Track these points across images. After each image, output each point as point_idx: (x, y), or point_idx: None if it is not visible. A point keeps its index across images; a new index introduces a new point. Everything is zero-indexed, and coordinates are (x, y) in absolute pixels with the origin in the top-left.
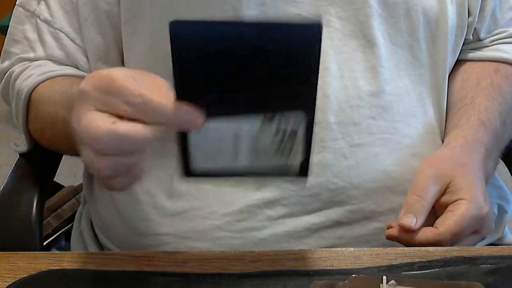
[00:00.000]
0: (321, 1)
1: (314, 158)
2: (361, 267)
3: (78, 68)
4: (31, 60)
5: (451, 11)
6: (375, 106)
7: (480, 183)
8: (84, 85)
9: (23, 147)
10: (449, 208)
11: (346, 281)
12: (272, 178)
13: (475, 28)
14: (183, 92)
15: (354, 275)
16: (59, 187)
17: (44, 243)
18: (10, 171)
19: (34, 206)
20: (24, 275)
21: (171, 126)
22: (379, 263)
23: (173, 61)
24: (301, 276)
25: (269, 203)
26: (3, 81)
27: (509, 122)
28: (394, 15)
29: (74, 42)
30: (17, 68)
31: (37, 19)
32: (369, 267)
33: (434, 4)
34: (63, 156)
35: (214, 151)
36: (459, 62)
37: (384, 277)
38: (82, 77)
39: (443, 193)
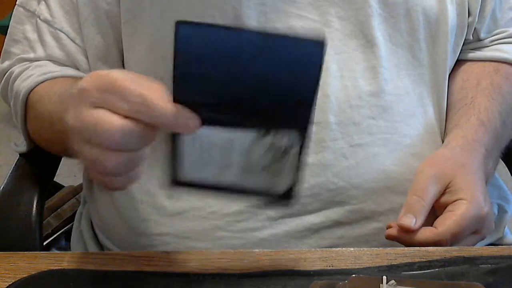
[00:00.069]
0: (321, 1)
1: (315, 158)
2: (361, 267)
3: (78, 69)
4: (31, 60)
5: (451, 11)
6: (375, 106)
7: (480, 183)
8: (83, 84)
9: (23, 147)
10: (448, 208)
11: (346, 281)
12: (256, 197)
13: (475, 28)
14: (180, 94)
15: (354, 275)
16: (59, 187)
17: (44, 243)
18: (10, 171)
19: (34, 206)
20: (24, 275)
21: (167, 127)
22: (379, 263)
23: (174, 62)
24: (301, 276)
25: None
26: (2, 81)
27: (509, 122)
28: (394, 15)
29: (74, 42)
30: (16, 69)
31: (37, 19)
32: (369, 267)
33: (434, 4)
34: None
35: (203, 161)
36: (459, 62)
37: (384, 277)
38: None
39: (443, 193)
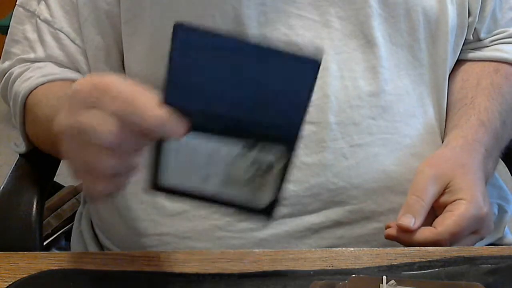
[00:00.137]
0: (321, 1)
1: (315, 158)
2: (361, 267)
3: (78, 69)
4: (31, 60)
5: (451, 11)
6: (375, 106)
7: (480, 183)
8: (76, 87)
9: (22, 148)
10: (448, 208)
11: (346, 281)
12: (237, 211)
13: (475, 28)
14: (171, 98)
15: (354, 275)
16: (59, 187)
17: (44, 243)
18: (10, 171)
19: (34, 206)
20: (24, 275)
21: (154, 131)
22: (379, 263)
23: (169, 62)
24: (301, 276)
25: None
26: (2, 81)
27: (509, 122)
28: (394, 15)
29: (74, 43)
30: (16, 69)
31: (37, 19)
32: (369, 267)
33: (434, 4)
34: None
35: (186, 169)
36: (459, 62)
37: (384, 277)
38: None
39: (443, 193)
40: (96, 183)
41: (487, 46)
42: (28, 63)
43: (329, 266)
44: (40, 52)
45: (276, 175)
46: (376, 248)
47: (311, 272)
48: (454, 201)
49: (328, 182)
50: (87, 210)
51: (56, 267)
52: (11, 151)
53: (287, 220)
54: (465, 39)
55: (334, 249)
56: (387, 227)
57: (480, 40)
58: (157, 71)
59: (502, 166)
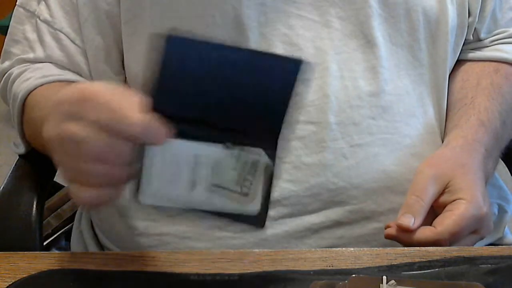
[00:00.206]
0: (321, 2)
1: (315, 158)
2: (361, 267)
3: (78, 69)
4: (31, 61)
5: (451, 11)
6: (375, 106)
7: (479, 183)
8: (60, 96)
9: (21, 149)
10: (448, 207)
11: (346, 281)
12: (225, 218)
13: (475, 28)
14: (156, 103)
15: (354, 275)
16: (59, 187)
17: (44, 243)
18: (10, 171)
19: (34, 206)
20: (24, 275)
21: (137, 137)
22: (379, 263)
23: (155, 69)
24: (301, 276)
25: (270, 203)
26: (2, 81)
27: (509, 122)
28: (394, 15)
29: (74, 43)
30: (16, 70)
31: (37, 19)
32: (369, 267)
33: (434, 4)
34: None
35: (171, 176)
36: (459, 62)
37: (384, 277)
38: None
39: (442, 193)
40: (85, 191)
41: (487, 46)
42: (28, 64)
43: (329, 266)
44: (40, 52)
45: (263, 177)
46: (376, 248)
47: (311, 272)
48: (454, 200)
49: (328, 182)
50: (87, 210)
51: (56, 267)
52: (11, 151)
53: (287, 220)
54: (465, 39)
55: (334, 249)
56: (387, 227)
57: (480, 40)
58: None
59: (502, 166)
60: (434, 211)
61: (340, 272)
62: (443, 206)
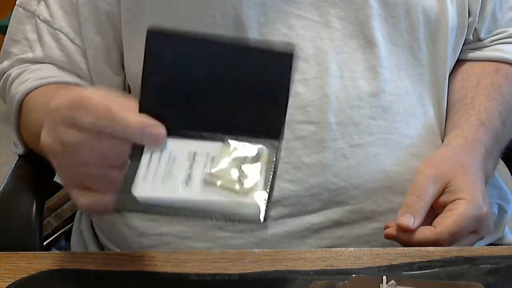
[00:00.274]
0: (321, 2)
1: (315, 158)
2: (361, 267)
3: (77, 69)
4: (30, 61)
5: (451, 11)
6: (375, 106)
7: (479, 183)
8: (55, 102)
9: (20, 149)
10: (448, 207)
11: (346, 281)
12: (222, 219)
13: (475, 28)
14: (148, 102)
15: (354, 275)
16: (59, 187)
17: (44, 243)
18: (10, 171)
19: (34, 206)
20: (24, 275)
21: (132, 139)
22: (379, 263)
23: (143, 70)
24: (301, 276)
25: (270, 204)
26: (1, 82)
27: (509, 122)
28: (394, 15)
29: (74, 43)
30: (14, 71)
31: (37, 19)
32: (369, 267)
33: (434, 4)
34: None
35: (167, 174)
36: (459, 62)
37: (384, 277)
38: (78, 85)
39: (442, 192)
40: (86, 196)
41: (487, 46)
42: (26, 64)
43: (329, 266)
44: (39, 52)
45: (265, 171)
46: (376, 248)
47: (311, 272)
48: (454, 200)
49: (328, 182)
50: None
51: (56, 267)
52: (11, 151)
53: (287, 220)
54: (465, 39)
55: (334, 249)
56: (387, 227)
57: (480, 40)
58: None
59: (502, 166)
60: (434, 211)
61: (340, 272)
62: (443, 206)
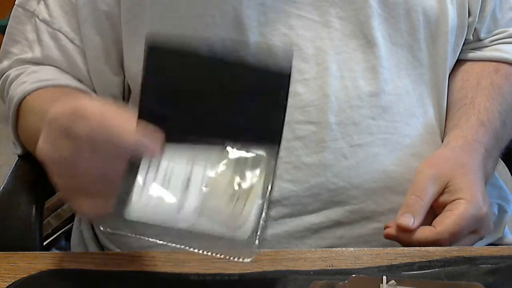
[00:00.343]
0: (321, 2)
1: (315, 158)
2: (361, 267)
3: (76, 69)
4: (28, 60)
5: (451, 11)
6: (375, 106)
7: (479, 183)
8: (53, 114)
9: (19, 150)
10: (447, 207)
11: (346, 281)
12: (216, 242)
13: (475, 28)
14: (146, 112)
15: (354, 275)
16: None
17: (44, 243)
18: (10, 171)
19: (34, 206)
20: (24, 275)
21: (130, 154)
22: (379, 263)
23: (142, 79)
24: (301, 276)
25: (270, 203)
26: (0, 82)
27: (509, 122)
28: (394, 15)
29: (73, 43)
30: (13, 72)
31: (36, 19)
32: (369, 267)
33: (434, 4)
34: None
35: (161, 193)
36: (459, 62)
37: (384, 277)
38: (76, 89)
39: (442, 192)
40: (83, 203)
41: (487, 46)
42: (25, 66)
43: (329, 266)
44: (37, 52)
45: (258, 194)
46: (376, 248)
47: (311, 272)
48: (454, 200)
49: (328, 182)
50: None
51: (56, 267)
52: (11, 151)
53: (287, 220)
54: (465, 39)
55: (334, 249)
56: (386, 227)
57: (480, 40)
58: None
59: (502, 166)
60: (434, 211)
61: (340, 272)
62: (443, 206)
